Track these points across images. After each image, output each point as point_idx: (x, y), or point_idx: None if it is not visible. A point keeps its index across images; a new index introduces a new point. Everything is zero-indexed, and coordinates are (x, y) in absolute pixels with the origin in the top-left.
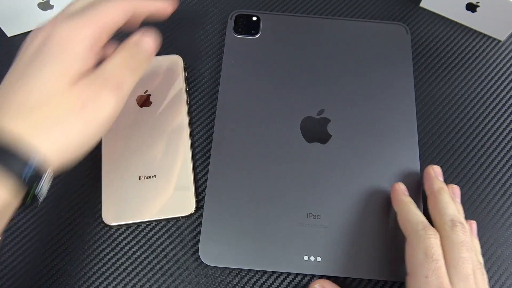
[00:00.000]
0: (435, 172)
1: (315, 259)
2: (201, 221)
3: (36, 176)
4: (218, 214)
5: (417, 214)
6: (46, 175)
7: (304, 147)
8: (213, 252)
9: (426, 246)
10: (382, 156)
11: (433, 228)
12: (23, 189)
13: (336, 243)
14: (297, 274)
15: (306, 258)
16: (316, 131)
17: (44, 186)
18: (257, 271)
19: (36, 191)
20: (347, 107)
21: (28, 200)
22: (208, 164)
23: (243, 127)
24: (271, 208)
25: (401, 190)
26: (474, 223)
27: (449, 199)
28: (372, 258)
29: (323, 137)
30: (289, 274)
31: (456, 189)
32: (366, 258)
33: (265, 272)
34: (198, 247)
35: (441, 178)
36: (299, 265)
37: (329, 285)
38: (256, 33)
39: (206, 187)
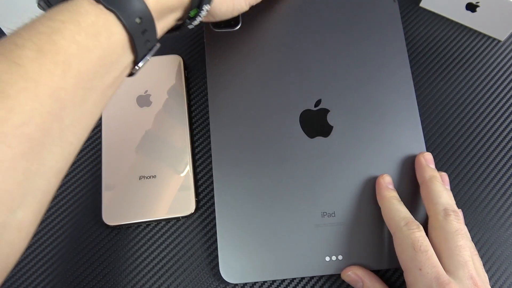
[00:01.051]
0: (426, 159)
1: (337, 258)
2: (201, 221)
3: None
4: (231, 229)
5: (399, 210)
6: (204, 12)
7: (307, 144)
8: (234, 269)
9: (412, 241)
10: (387, 141)
11: (415, 221)
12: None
13: (354, 238)
14: (321, 277)
15: (327, 259)
16: (316, 125)
17: (199, 19)
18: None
19: (197, 16)
20: (344, 92)
21: (191, 16)
22: (208, 164)
23: (240, 132)
24: (285, 213)
25: (384, 184)
26: (445, 175)
27: (441, 188)
28: (392, 247)
29: (324, 130)
30: (311, 277)
31: (444, 176)
32: (386, 248)
33: (284, 279)
34: (197, 247)
35: (432, 165)
36: (322, 267)
37: (361, 271)
38: (236, 24)
39: (206, 189)
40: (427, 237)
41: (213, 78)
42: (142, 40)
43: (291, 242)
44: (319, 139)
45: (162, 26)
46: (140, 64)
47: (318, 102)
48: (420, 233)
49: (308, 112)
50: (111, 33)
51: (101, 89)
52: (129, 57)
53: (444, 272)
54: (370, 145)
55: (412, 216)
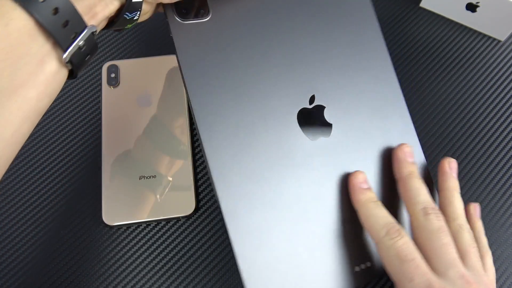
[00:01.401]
0: (405, 153)
1: (365, 265)
2: (201, 221)
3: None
4: (253, 252)
5: (377, 216)
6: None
7: (310, 148)
8: None
9: (396, 252)
10: (381, 133)
11: (395, 226)
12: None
13: None
14: None
15: (357, 269)
16: (315, 124)
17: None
18: None
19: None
20: (336, 83)
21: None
22: None
23: (238, 143)
24: (305, 232)
25: (358, 184)
26: (477, 206)
27: (419, 185)
28: None
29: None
30: None
31: (453, 162)
32: None
33: None
34: (197, 247)
35: (410, 159)
36: (353, 278)
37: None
38: (206, 14)
39: (206, 189)
40: (411, 241)
41: (192, 81)
42: (56, 22)
43: (317, 260)
44: (320, 139)
45: (87, 3)
46: (69, 50)
47: (312, 98)
48: (402, 240)
49: (305, 111)
50: (8, 19)
51: (12, 90)
52: (44, 45)
53: (435, 278)
54: (372, 138)
55: (392, 220)
